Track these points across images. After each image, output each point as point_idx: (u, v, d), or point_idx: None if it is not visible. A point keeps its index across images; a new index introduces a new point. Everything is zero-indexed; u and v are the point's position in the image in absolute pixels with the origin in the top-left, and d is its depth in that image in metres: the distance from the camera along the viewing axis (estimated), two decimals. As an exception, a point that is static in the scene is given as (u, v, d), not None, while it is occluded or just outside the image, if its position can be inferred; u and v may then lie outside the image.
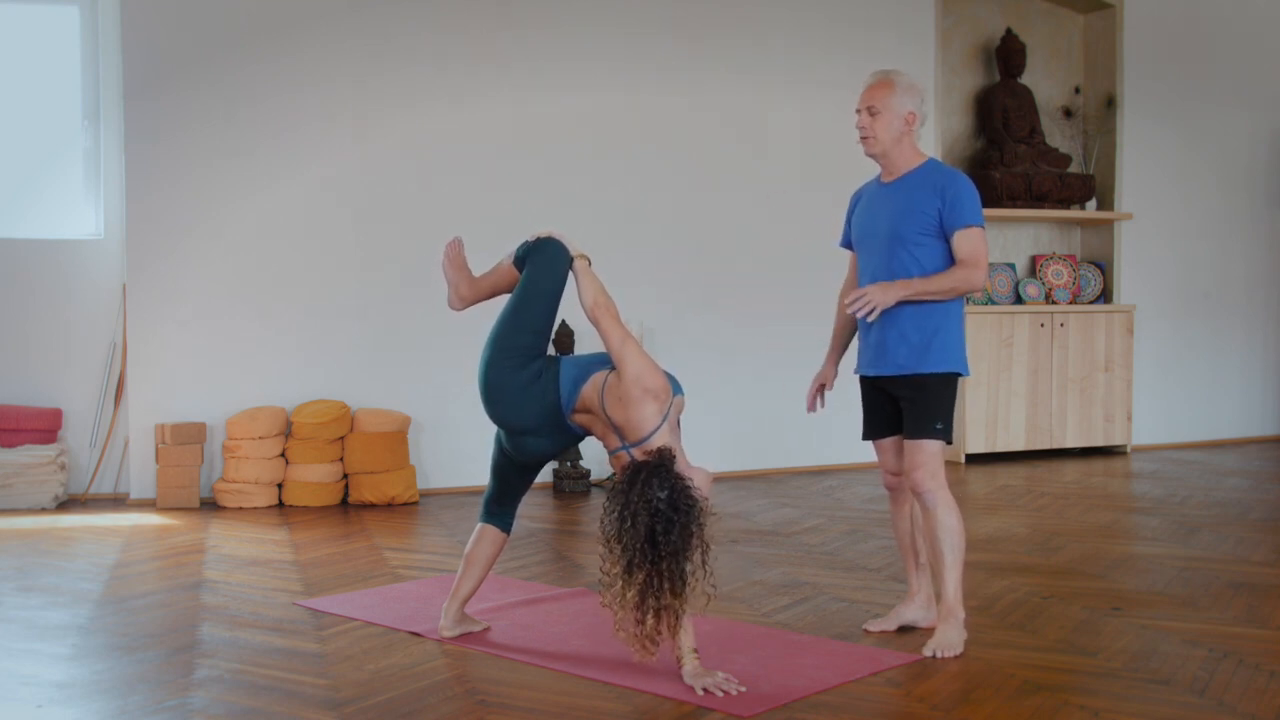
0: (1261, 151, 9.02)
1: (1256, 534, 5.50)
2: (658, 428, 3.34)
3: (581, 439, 3.64)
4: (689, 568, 3.17)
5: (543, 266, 3.62)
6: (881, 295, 3.64)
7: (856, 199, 4.04)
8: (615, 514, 3.19)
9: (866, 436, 3.97)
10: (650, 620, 3.17)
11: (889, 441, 3.91)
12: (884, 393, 3.85)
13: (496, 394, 3.54)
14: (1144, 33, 8.46)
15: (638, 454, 3.33)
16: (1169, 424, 8.69)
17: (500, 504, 3.82)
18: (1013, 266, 8.31)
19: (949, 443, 3.76)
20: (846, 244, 4.06)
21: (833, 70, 7.65)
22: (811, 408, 4.07)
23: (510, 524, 3.85)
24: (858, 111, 3.83)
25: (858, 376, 3.94)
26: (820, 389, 4.07)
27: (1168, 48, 8.58)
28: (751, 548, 5.24)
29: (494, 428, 3.71)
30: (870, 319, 3.69)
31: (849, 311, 3.71)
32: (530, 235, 3.72)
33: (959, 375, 3.78)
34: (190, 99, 6.41)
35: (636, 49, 7.19)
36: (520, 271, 3.67)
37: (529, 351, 3.54)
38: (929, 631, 3.88)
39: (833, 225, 7.59)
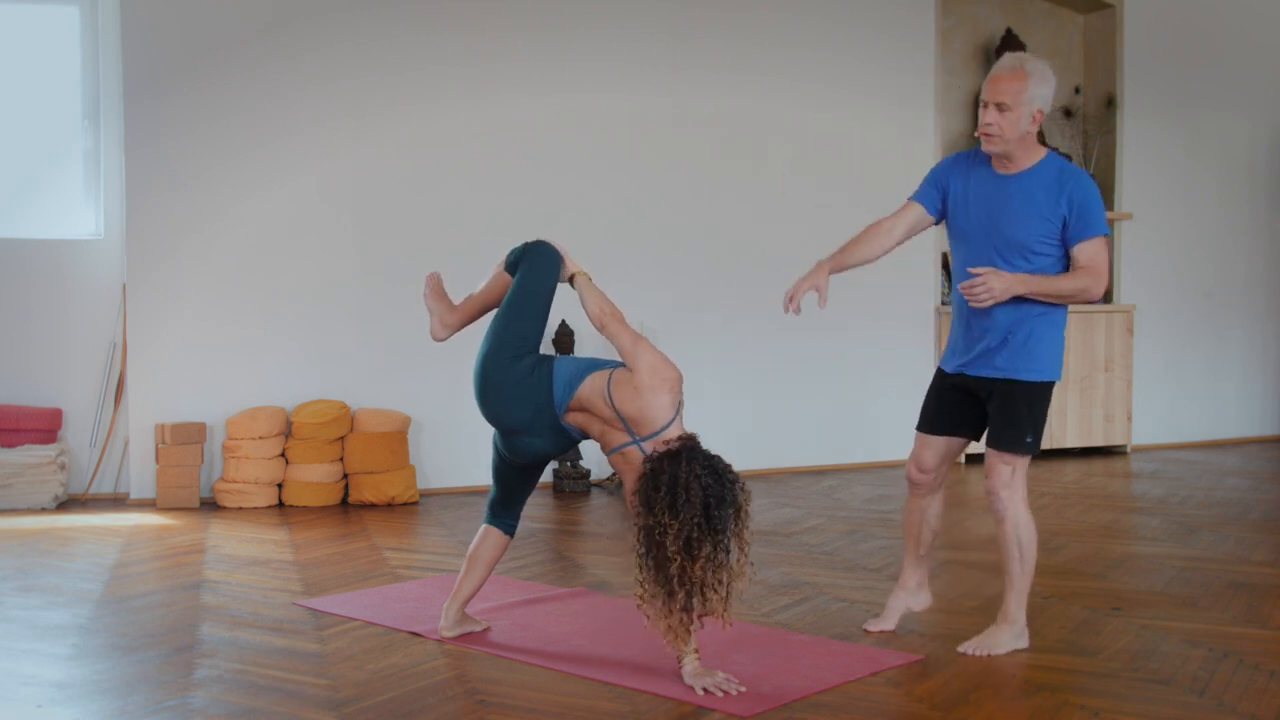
0: (1261, 151, 9.02)
1: (1256, 534, 5.50)
2: (672, 420, 3.35)
3: (577, 442, 3.63)
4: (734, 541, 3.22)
5: (536, 269, 3.65)
6: (1000, 285, 3.42)
7: (951, 170, 3.73)
8: (666, 493, 3.16)
9: (920, 428, 3.81)
10: (714, 597, 3.18)
11: (940, 440, 3.77)
12: (965, 393, 3.69)
13: (491, 388, 3.54)
14: (1144, 33, 8.46)
15: (652, 446, 3.31)
16: (1169, 424, 8.69)
17: (504, 506, 3.82)
18: (1013, 266, 8.31)
19: (1033, 453, 3.60)
20: (920, 199, 3.75)
21: (833, 70, 7.65)
22: (790, 308, 3.59)
23: (514, 526, 3.84)
24: (984, 105, 3.53)
25: (939, 368, 3.80)
26: (807, 291, 3.60)
27: (1168, 48, 8.58)
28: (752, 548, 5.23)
29: (494, 428, 3.71)
30: (980, 304, 3.44)
31: (962, 291, 3.45)
32: (523, 243, 3.76)
33: (1053, 384, 3.61)
34: (190, 99, 6.41)
35: (635, 50, 7.19)
36: (513, 276, 3.69)
37: (524, 347, 3.57)
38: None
39: (833, 224, 7.61)
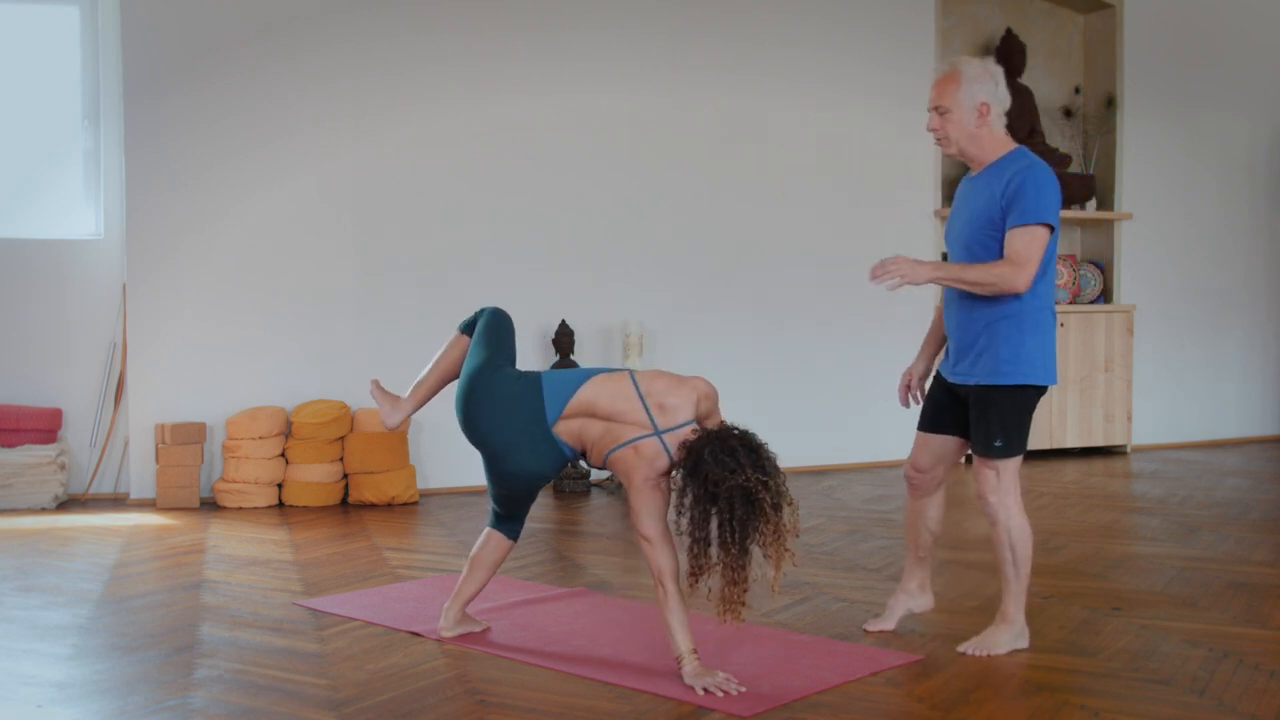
0: (1261, 151, 9.02)
1: (1256, 534, 5.50)
2: (689, 421, 3.41)
3: (567, 461, 3.59)
4: None
5: (495, 318, 3.73)
6: (911, 270, 3.43)
7: (957, 192, 3.82)
8: (745, 457, 3.23)
9: (918, 426, 3.85)
10: (788, 556, 3.27)
11: (934, 439, 3.79)
12: (954, 394, 3.72)
13: (477, 401, 3.53)
14: (1144, 33, 8.46)
15: (672, 440, 3.36)
16: (1169, 424, 8.69)
17: (508, 515, 3.80)
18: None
19: (1012, 456, 3.58)
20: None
21: (833, 70, 7.65)
22: (904, 403, 3.93)
23: (517, 532, 3.83)
24: (929, 111, 3.65)
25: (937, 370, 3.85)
26: (908, 385, 3.91)
27: (1168, 48, 8.58)
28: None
29: (482, 454, 3.67)
30: (889, 289, 3.47)
31: (869, 279, 3.47)
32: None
33: (1033, 387, 3.57)
34: (190, 99, 6.42)
35: (636, 49, 7.19)
36: (470, 336, 3.76)
37: (506, 359, 3.65)
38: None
39: (833, 224, 7.68)
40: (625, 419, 3.42)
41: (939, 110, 3.60)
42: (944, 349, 3.87)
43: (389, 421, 3.89)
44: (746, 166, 7.47)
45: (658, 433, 3.40)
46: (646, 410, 3.42)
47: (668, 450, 3.38)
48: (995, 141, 3.60)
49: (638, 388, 3.45)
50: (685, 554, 3.31)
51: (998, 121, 3.60)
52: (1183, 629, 3.90)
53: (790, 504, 3.30)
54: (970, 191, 3.65)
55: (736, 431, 3.31)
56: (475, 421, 3.54)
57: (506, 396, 3.53)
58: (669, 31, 7.27)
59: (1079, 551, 5.14)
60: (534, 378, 3.57)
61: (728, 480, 3.20)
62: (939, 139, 3.64)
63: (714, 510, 3.23)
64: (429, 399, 3.91)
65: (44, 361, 6.57)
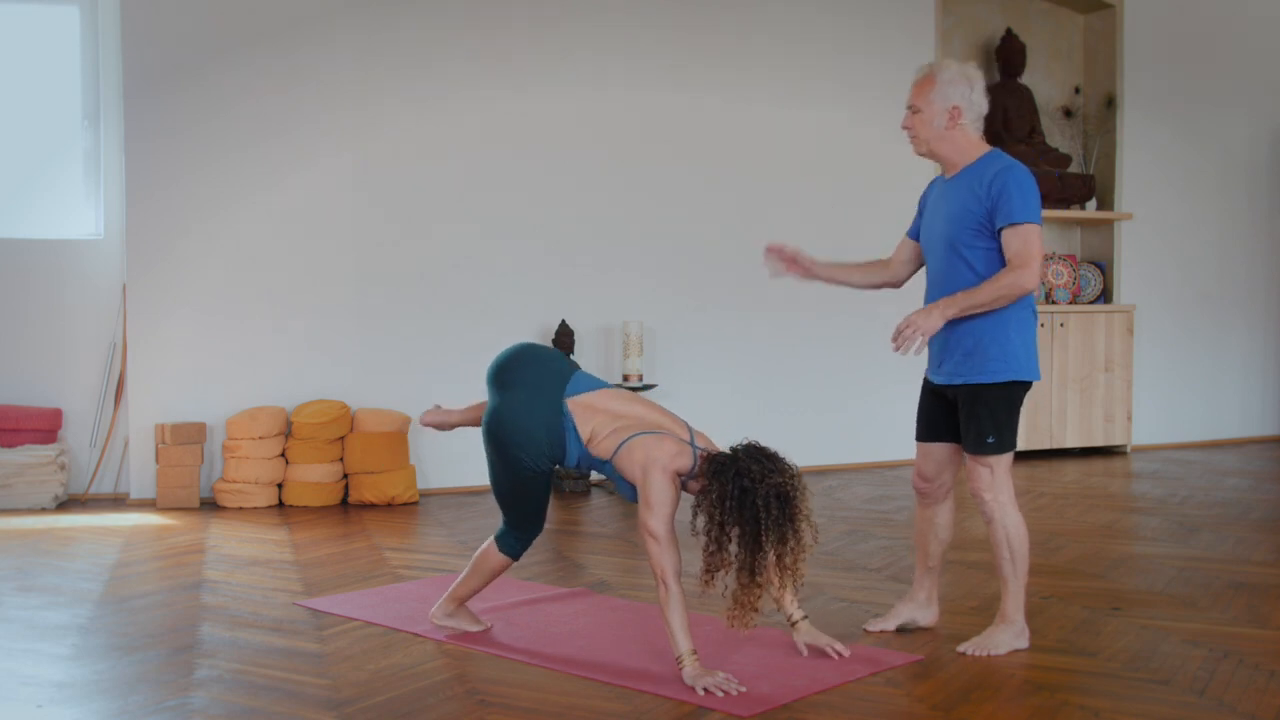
0: (1262, 151, 9.02)
1: (1256, 534, 5.50)
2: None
3: (559, 441, 3.54)
4: None
5: None
6: (925, 322, 3.46)
7: (926, 194, 3.83)
8: (776, 460, 3.32)
9: (917, 436, 3.86)
10: (802, 571, 3.36)
11: (934, 447, 3.80)
12: (942, 398, 3.74)
13: (520, 352, 3.67)
14: (1144, 33, 8.46)
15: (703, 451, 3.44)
16: (1169, 424, 8.69)
17: (512, 523, 3.77)
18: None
19: (1004, 453, 3.60)
20: (913, 235, 3.88)
21: (834, 70, 7.66)
22: (766, 261, 3.87)
23: (517, 551, 3.77)
24: (906, 109, 3.70)
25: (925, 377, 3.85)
26: (790, 258, 3.84)
27: (1168, 48, 8.59)
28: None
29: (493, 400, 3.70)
30: (916, 352, 3.53)
31: (894, 351, 3.51)
32: None
33: (1020, 383, 3.59)
34: (190, 99, 6.42)
35: (638, 48, 7.19)
36: None
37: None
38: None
39: (834, 223, 7.69)
40: (660, 427, 3.48)
41: (912, 109, 3.67)
42: (850, 278, 3.98)
43: (424, 419, 4.05)
44: (746, 165, 7.47)
45: (692, 444, 3.44)
46: (690, 429, 3.50)
47: (695, 458, 3.40)
48: (970, 144, 3.65)
49: (689, 424, 3.54)
50: (700, 553, 3.31)
51: (972, 126, 3.65)
52: (1183, 629, 3.90)
53: (813, 525, 3.34)
54: (947, 193, 3.68)
55: (763, 445, 3.38)
56: (504, 364, 3.64)
57: (543, 355, 3.67)
58: (668, 31, 7.27)
59: (1079, 551, 5.14)
60: (574, 364, 3.71)
61: (766, 479, 3.25)
62: (910, 137, 3.71)
63: (746, 506, 3.25)
64: (463, 424, 4.01)
65: (44, 361, 6.57)
